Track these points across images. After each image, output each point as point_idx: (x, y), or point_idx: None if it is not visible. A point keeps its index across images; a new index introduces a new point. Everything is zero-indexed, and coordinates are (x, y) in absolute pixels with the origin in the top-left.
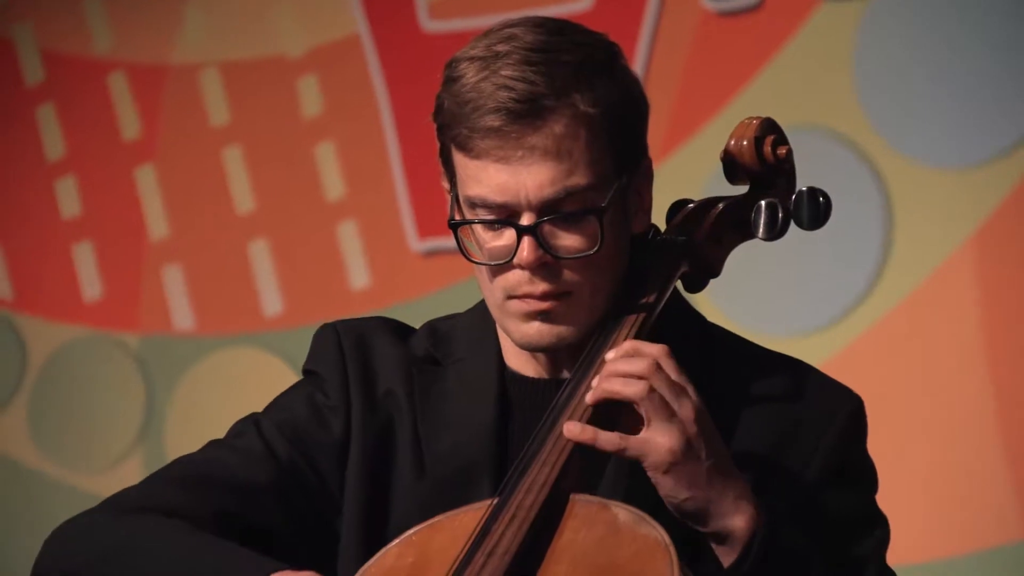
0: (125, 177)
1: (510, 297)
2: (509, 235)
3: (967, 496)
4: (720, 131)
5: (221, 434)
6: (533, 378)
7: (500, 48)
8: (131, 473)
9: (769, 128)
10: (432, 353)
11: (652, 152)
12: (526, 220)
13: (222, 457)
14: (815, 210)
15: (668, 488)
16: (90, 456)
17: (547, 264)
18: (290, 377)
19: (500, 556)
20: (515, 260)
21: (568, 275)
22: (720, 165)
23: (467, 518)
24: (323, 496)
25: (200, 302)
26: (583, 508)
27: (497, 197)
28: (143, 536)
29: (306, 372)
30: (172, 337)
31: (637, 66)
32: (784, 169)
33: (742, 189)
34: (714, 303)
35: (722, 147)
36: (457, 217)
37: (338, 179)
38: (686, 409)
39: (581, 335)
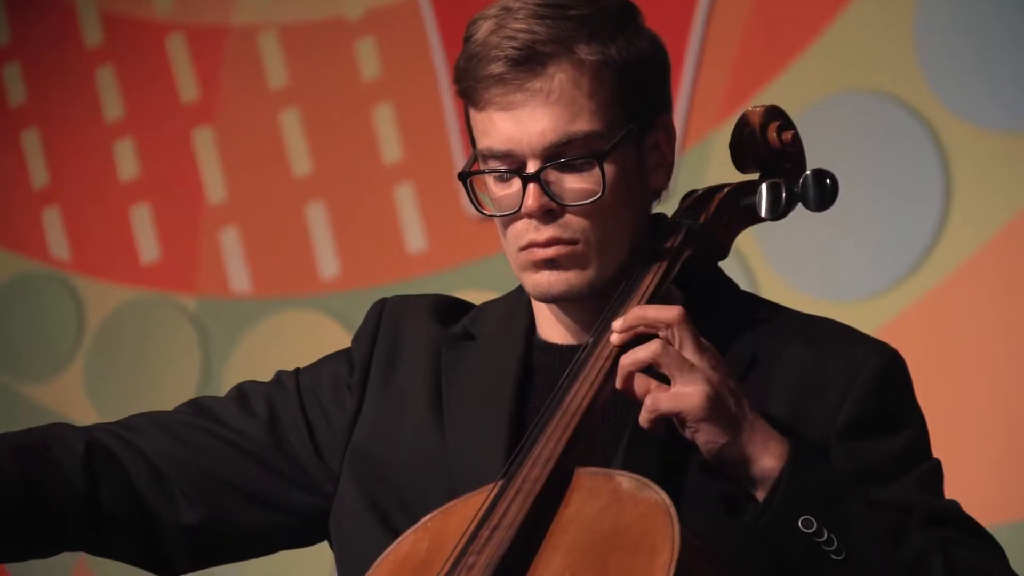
0: (183, 139)
1: (520, 249)
2: (516, 185)
3: (1015, 468)
4: (779, 96)
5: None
6: (559, 344)
7: (512, 4)
8: None
9: (774, 114)
10: (468, 330)
11: (708, 119)
12: (531, 168)
13: (230, 412)
14: (821, 191)
15: (708, 435)
16: None
17: (552, 211)
18: (345, 339)
19: (505, 528)
20: (522, 209)
21: (574, 222)
22: None
23: (478, 499)
24: (314, 463)
25: (257, 264)
26: (588, 479)
27: (502, 146)
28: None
29: (352, 344)
30: (229, 299)
31: (695, 31)
32: (790, 153)
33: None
34: (774, 268)
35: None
36: None
37: (395, 142)
38: (705, 358)
39: (594, 284)
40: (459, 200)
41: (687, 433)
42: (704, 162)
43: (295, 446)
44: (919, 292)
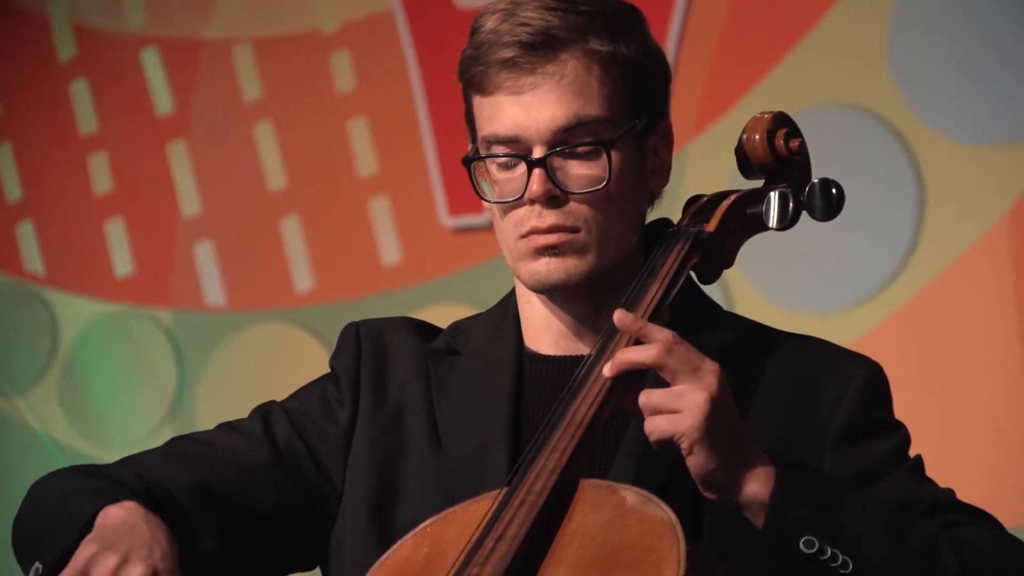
0: (157, 153)
1: (521, 237)
2: (521, 171)
3: (1002, 472)
4: (754, 109)
5: (251, 409)
6: (551, 356)
7: None
8: None
9: (781, 122)
10: (452, 345)
11: (685, 129)
12: (537, 153)
13: (222, 439)
14: (828, 201)
15: (701, 457)
16: (121, 431)
17: (556, 198)
18: (321, 353)
19: (510, 540)
20: (526, 195)
21: (577, 210)
22: None
23: (479, 507)
24: (318, 483)
25: (232, 278)
26: (592, 492)
27: (509, 131)
28: (56, 482)
29: (330, 367)
30: (204, 313)
31: (670, 42)
32: (797, 161)
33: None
34: (751, 282)
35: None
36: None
37: (370, 155)
38: (704, 366)
39: (591, 274)
40: (434, 212)
41: (685, 448)
42: (679, 174)
43: (299, 469)
44: (894, 304)
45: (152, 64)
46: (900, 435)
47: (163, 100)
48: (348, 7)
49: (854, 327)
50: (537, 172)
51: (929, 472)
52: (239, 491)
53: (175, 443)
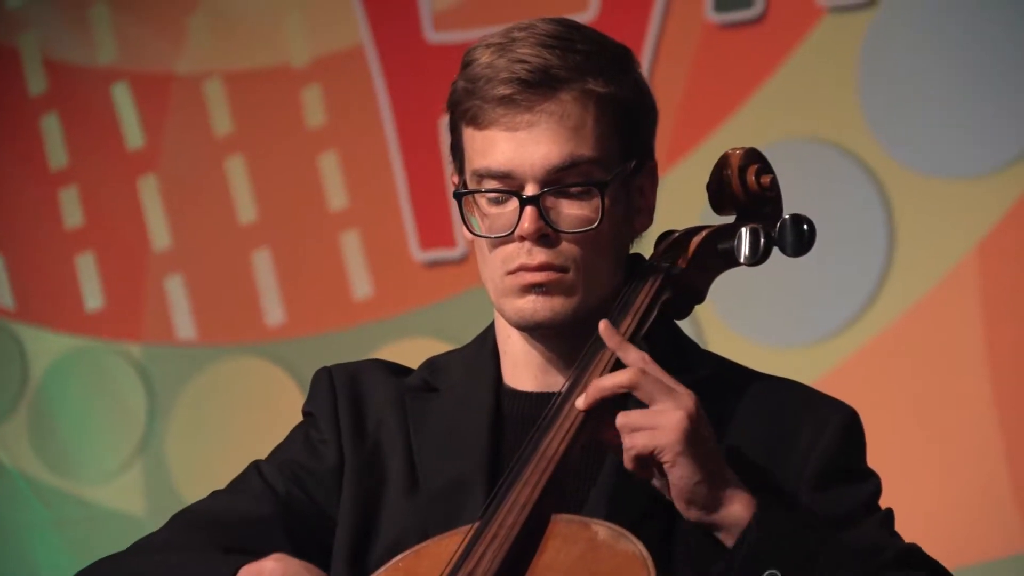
0: (128, 187)
1: (508, 273)
2: (512, 207)
3: (970, 507)
4: (724, 144)
5: (222, 444)
6: (529, 392)
7: (517, 34)
8: (133, 483)
9: (753, 158)
10: (429, 381)
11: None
12: (529, 191)
13: (224, 500)
14: (799, 237)
15: (684, 470)
16: (91, 466)
17: (547, 236)
18: (292, 387)
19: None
20: (516, 231)
21: (567, 249)
22: None
23: (451, 541)
24: (323, 523)
25: (202, 312)
26: (564, 527)
27: (502, 166)
28: (145, 560)
29: (304, 414)
30: (174, 347)
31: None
32: (769, 197)
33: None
34: (719, 316)
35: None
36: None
37: (341, 189)
38: (680, 388)
39: (576, 314)
40: (405, 246)
41: (666, 462)
42: None
43: (304, 514)
44: (863, 339)
45: (123, 98)
46: (872, 484)
47: (134, 134)
48: (319, 42)
49: (823, 361)
50: (529, 209)
51: (899, 505)
52: (262, 546)
53: (183, 516)
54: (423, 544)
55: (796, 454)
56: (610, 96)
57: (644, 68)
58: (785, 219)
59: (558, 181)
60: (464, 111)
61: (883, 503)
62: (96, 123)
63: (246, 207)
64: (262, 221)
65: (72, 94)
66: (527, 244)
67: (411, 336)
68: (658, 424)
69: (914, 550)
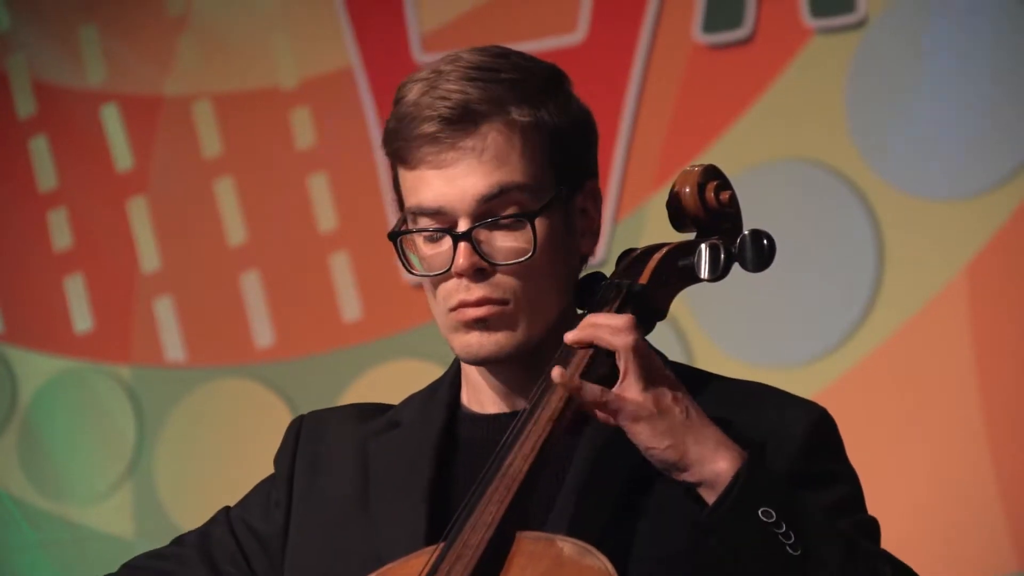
0: (117, 209)
1: (450, 310)
2: (447, 244)
3: (960, 528)
4: (714, 163)
5: (211, 466)
6: (488, 415)
7: (443, 68)
8: (122, 505)
9: (711, 175)
10: (393, 419)
11: (644, 185)
12: (462, 226)
13: (152, 567)
14: (759, 252)
15: (645, 438)
16: (81, 488)
17: (483, 271)
18: (281, 409)
19: None
20: (452, 268)
21: (505, 282)
22: None
23: (417, 562)
24: None
25: (191, 334)
26: (529, 544)
27: (432, 203)
28: None
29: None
30: (163, 369)
31: (629, 99)
32: (728, 213)
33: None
34: (706, 335)
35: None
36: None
37: (330, 210)
38: (659, 368)
39: (523, 346)
40: (394, 268)
41: (627, 428)
42: (638, 230)
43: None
44: (853, 359)
45: (112, 120)
46: (844, 486)
47: (123, 156)
48: (308, 63)
49: (813, 382)
50: (463, 246)
51: (888, 523)
52: None
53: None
54: (389, 566)
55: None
56: (535, 124)
57: (632, 89)
58: (744, 235)
59: (489, 213)
60: (394, 151)
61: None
62: (85, 145)
63: (235, 229)
64: (251, 243)
65: (61, 116)
66: (464, 280)
67: (401, 358)
68: (627, 388)
69: (884, 552)
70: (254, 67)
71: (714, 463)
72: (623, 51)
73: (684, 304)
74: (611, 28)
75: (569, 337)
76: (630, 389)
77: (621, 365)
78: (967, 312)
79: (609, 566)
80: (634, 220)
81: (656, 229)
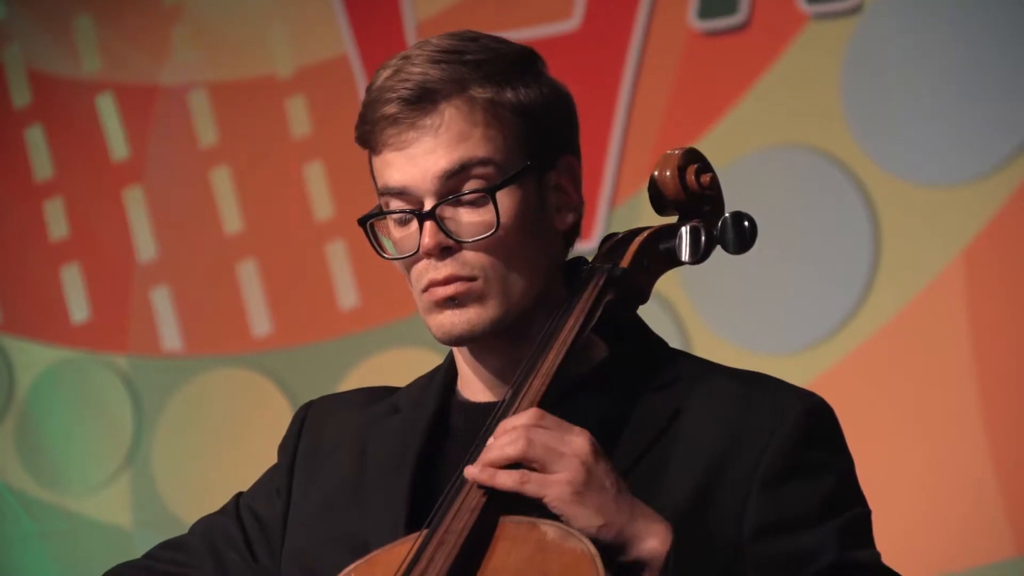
0: (113, 198)
1: (423, 291)
2: (414, 226)
3: (958, 514)
4: (709, 151)
5: (209, 455)
6: (478, 403)
7: (412, 52)
8: (120, 494)
9: (692, 157)
10: (395, 404)
11: (640, 172)
12: (427, 206)
13: (161, 558)
14: (740, 234)
15: (582, 519)
16: (78, 478)
17: (449, 248)
18: (279, 398)
19: None
20: (420, 249)
21: (473, 258)
22: None
23: (402, 548)
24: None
25: (188, 323)
26: (512, 528)
27: (397, 183)
28: None
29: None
30: (160, 358)
31: (624, 87)
32: (709, 196)
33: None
34: (705, 323)
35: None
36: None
37: (327, 199)
38: (576, 444)
39: (497, 323)
40: None
41: (560, 514)
42: (635, 217)
43: (239, 563)
44: (850, 345)
45: (107, 110)
46: (837, 479)
47: (119, 146)
48: (303, 52)
49: (810, 368)
50: (428, 225)
51: (886, 511)
52: None
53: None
54: (373, 553)
55: (751, 451)
56: (498, 100)
57: (628, 76)
58: (726, 217)
59: (453, 189)
60: (361, 136)
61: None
62: (81, 134)
63: (232, 218)
64: (248, 232)
65: (57, 105)
66: (433, 259)
67: (398, 346)
68: (545, 474)
69: (864, 563)
70: (249, 56)
71: (646, 541)
72: (618, 38)
73: (681, 290)
74: (606, 15)
75: (469, 475)
76: (549, 474)
77: (532, 464)
78: (964, 297)
79: (592, 548)
80: (630, 206)
81: (652, 216)
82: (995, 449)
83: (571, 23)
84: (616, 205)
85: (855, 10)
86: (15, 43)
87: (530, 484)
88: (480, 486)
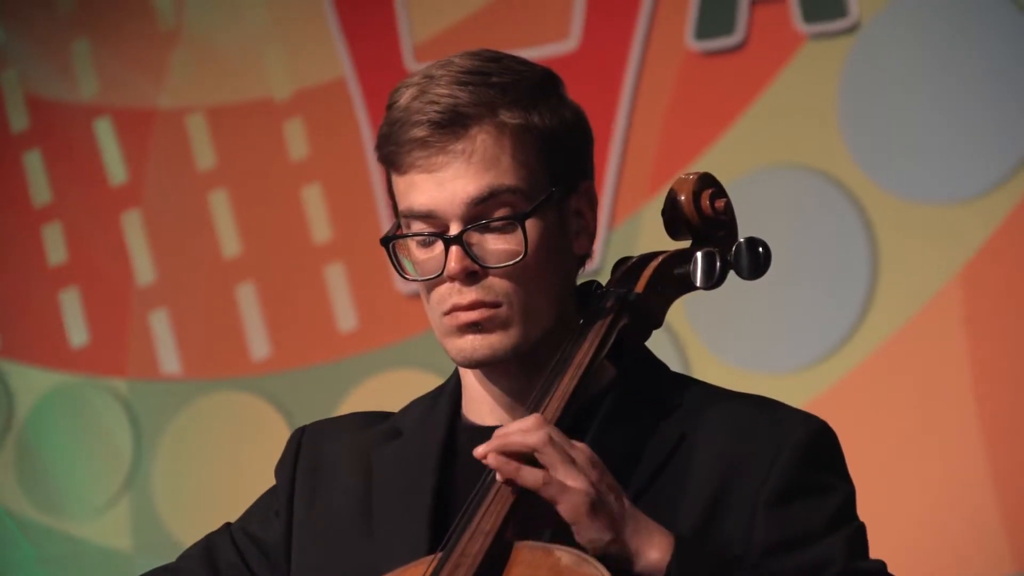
0: (112, 222)
1: (444, 314)
2: (439, 248)
3: (957, 530)
4: (708, 170)
5: (209, 479)
6: (486, 426)
7: (435, 72)
8: (120, 519)
9: (707, 182)
10: (396, 426)
11: (639, 191)
12: (453, 230)
13: (186, 561)
14: (755, 260)
15: (593, 532)
16: (78, 503)
17: (475, 274)
18: (278, 421)
19: None
20: (444, 272)
21: (498, 285)
22: None
23: (415, 571)
24: None
25: (187, 346)
26: (527, 554)
27: (423, 206)
28: None
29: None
30: (159, 382)
31: (622, 107)
32: (723, 221)
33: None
34: (702, 342)
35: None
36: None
37: (325, 222)
38: (582, 456)
39: (518, 348)
40: (390, 278)
41: (573, 525)
42: (634, 237)
43: None
44: (849, 365)
45: (105, 134)
46: (840, 497)
47: (117, 170)
48: (301, 74)
49: (808, 388)
50: (454, 249)
51: (885, 528)
52: None
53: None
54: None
55: (756, 473)
56: (525, 126)
57: (626, 96)
58: (740, 242)
59: (481, 215)
60: (386, 156)
61: (871, 531)
62: (79, 159)
63: (230, 241)
64: (246, 255)
65: (54, 130)
66: (457, 284)
67: (397, 368)
68: (563, 480)
69: (872, 570)
70: (247, 79)
71: (649, 553)
72: (616, 58)
73: (680, 311)
74: (604, 36)
75: (479, 451)
76: (567, 479)
77: (545, 461)
78: (962, 316)
79: (606, 574)
80: (629, 227)
81: (651, 236)
82: (994, 467)
83: (569, 44)
84: (615, 226)
85: (852, 29)
86: (13, 68)
87: (551, 486)
88: (501, 483)
